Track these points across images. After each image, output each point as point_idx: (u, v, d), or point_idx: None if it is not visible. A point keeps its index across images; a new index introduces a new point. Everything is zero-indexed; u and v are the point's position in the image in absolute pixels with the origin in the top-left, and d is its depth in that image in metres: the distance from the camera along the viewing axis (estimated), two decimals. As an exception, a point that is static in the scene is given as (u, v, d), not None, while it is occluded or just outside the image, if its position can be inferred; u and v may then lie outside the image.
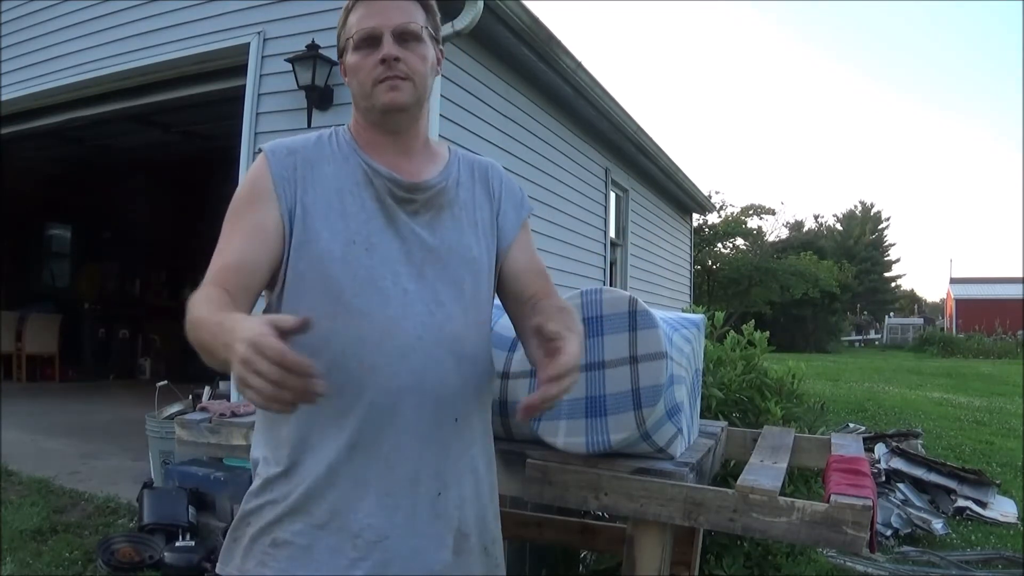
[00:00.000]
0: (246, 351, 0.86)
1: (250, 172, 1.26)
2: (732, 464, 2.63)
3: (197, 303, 1.09)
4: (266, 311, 1.24)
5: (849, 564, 3.64)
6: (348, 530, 1.16)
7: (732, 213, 24.17)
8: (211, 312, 1.05)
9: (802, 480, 3.03)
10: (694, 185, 10.81)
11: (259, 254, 1.18)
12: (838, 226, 44.42)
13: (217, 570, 1.23)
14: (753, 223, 25.22)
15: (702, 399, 2.36)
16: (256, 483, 1.22)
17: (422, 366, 1.19)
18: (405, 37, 1.24)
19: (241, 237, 1.19)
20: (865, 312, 40.74)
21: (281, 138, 1.30)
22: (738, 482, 1.58)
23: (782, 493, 1.57)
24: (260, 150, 1.28)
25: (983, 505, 4.85)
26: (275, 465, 1.19)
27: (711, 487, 1.63)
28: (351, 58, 1.26)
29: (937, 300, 55.28)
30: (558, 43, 5.38)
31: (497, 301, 1.39)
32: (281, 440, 1.19)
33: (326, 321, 1.16)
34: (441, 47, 1.34)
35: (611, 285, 7.98)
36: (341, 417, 1.16)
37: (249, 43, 4.75)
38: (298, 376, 0.85)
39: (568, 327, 1.14)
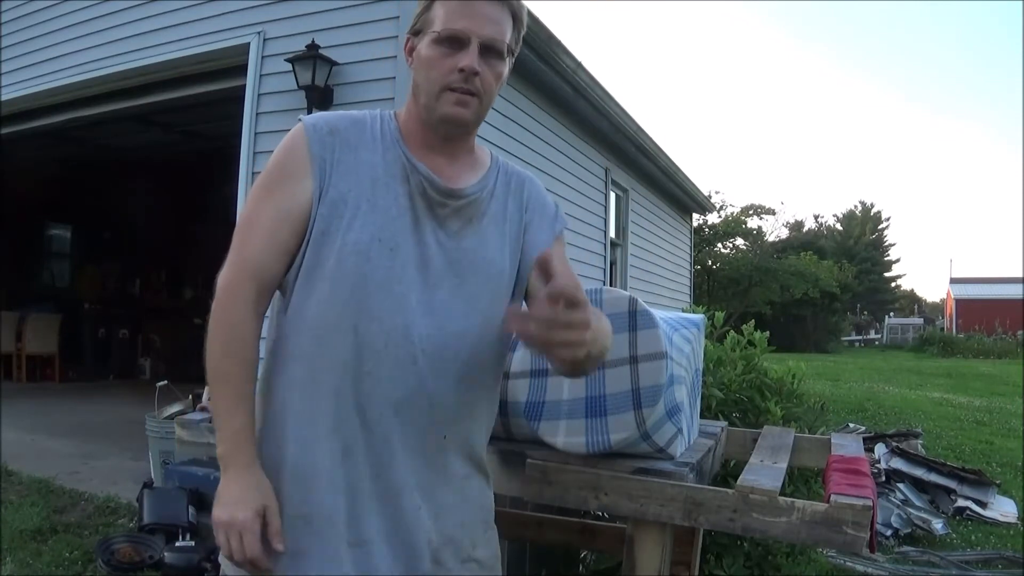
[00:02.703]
0: (226, 531, 1.12)
1: (287, 142, 1.22)
2: (732, 464, 2.62)
3: (233, 316, 1.17)
4: (280, 290, 1.23)
5: (849, 564, 3.64)
6: (337, 534, 1.15)
7: (732, 213, 24.19)
8: (237, 384, 1.16)
9: (802, 480, 3.03)
10: (694, 185, 10.80)
11: (289, 243, 1.18)
12: (838, 226, 44.44)
13: (223, 571, 1.23)
14: (753, 223, 25.25)
15: (702, 399, 2.36)
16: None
17: (421, 380, 1.18)
18: (490, 51, 1.19)
19: (271, 221, 1.18)
20: (865, 312, 40.75)
21: (322, 113, 1.26)
22: (738, 482, 1.58)
23: (782, 493, 1.57)
24: (300, 120, 1.24)
25: (983, 505, 4.85)
26: (269, 467, 1.18)
27: (711, 487, 1.63)
28: (427, 50, 1.19)
29: (937, 300, 55.31)
30: (558, 43, 5.38)
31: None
32: (276, 441, 1.19)
33: (336, 317, 1.16)
34: (513, 59, 1.28)
35: (611, 285, 7.97)
36: (336, 422, 1.16)
37: (249, 43, 4.75)
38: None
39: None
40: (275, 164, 1.21)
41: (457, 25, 1.17)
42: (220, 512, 1.12)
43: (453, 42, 1.17)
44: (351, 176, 1.19)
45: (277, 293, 1.23)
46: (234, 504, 1.12)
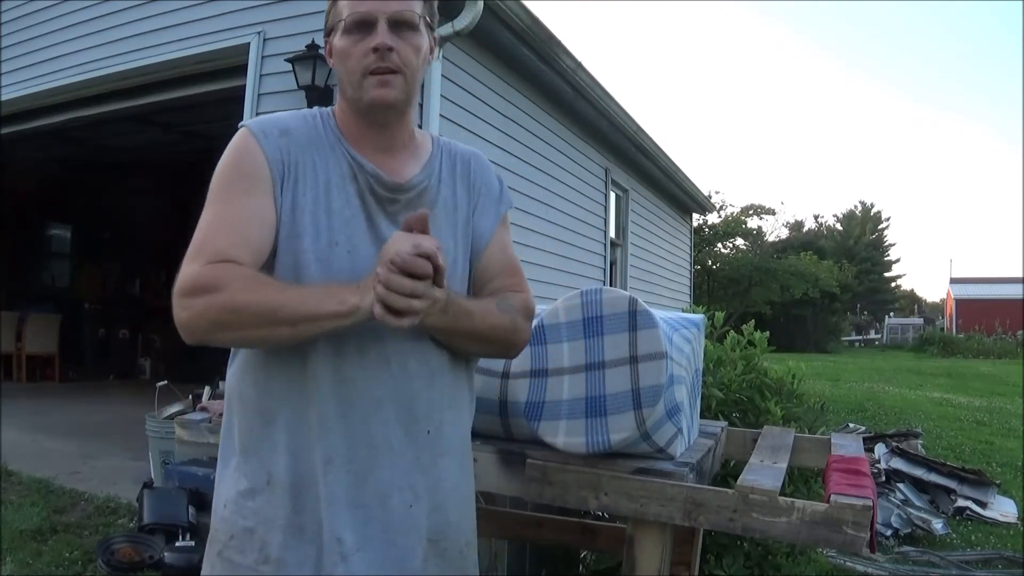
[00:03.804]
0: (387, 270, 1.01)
1: (237, 148, 1.18)
2: (732, 464, 2.62)
3: (241, 280, 1.07)
4: None
5: (849, 564, 3.64)
6: (325, 542, 1.14)
7: (732, 213, 24.22)
8: (286, 284, 1.10)
9: (802, 480, 3.03)
10: (694, 185, 10.81)
11: (260, 242, 1.14)
12: (838, 226, 44.43)
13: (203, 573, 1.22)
14: (753, 223, 25.28)
15: (702, 399, 2.35)
16: (230, 491, 1.20)
17: (397, 379, 1.18)
18: (400, 25, 1.18)
19: (240, 220, 1.13)
20: (865, 312, 40.74)
21: (264, 116, 1.23)
22: (738, 482, 1.58)
23: (782, 493, 1.57)
24: (242, 125, 1.21)
25: (983, 505, 4.85)
26: (251, 475, 1.18)
27: (711, 487, 1.63)
28: (340, 41, 1.19)
29: (937, 300, 55.32)
30: (558, 43, 5.38)
31: None
32: (268, 452, 1.18)
33: None
34: (435, 35, 1.28)
35: (611, 285, 7.97)
36: (321, 431, 1.15)
37: (249, 43, 4.75)
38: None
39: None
40: (230, 170, 1.17)
41: (361, 8, 1.17)
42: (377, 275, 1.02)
43: (361, 26, 1.17)
44: (306, 180, 1.17)
45: None
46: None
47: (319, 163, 1.19)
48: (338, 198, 1.18)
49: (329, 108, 1.28)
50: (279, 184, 1.16)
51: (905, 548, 4.05)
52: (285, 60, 4.46)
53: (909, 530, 4.26)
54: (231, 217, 1.13)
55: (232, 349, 1.24)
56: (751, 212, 25.38)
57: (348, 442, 1.16)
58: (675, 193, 10.61)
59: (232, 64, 4.88)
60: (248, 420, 1.20)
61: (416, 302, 1.02)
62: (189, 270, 1.10)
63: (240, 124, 1.22)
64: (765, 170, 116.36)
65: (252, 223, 1.14)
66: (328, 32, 1.24)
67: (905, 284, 59.30)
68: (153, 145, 8.00)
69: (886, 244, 44.06)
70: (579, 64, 5.85)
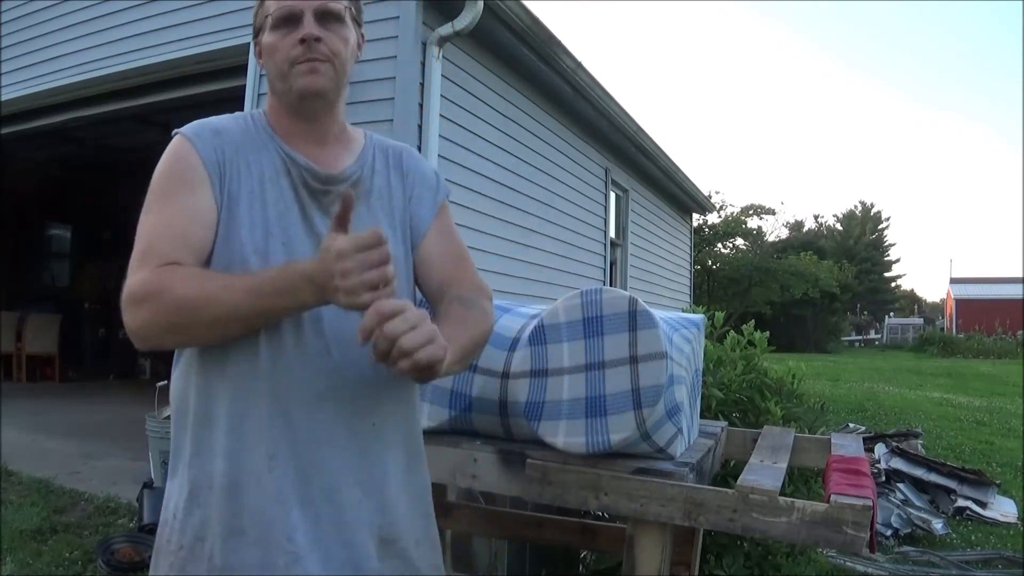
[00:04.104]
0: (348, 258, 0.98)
1: (172, 153, 1.19)
2: (732, 464, 2.63)
3: (186, 279, 1.06)
4: None
5: (849, 564, 3.64)
6: (275, 544, 1.13)
7: (732, 213, 24.22)
8: (233, 278, 1.08)
9: (802, 480, 3.03)
10: (694, 185, 10.80)
11: (203, 242, 1.14)
12: (838, 226, 44.44)
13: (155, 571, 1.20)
14: (753, 223, 25.29)
15: (702, 399, 2.36)
16: (177, 500, 1.18)
17: (339, 372, 1.16)
18: (327, 17, 1.19)
19: (181, 223, 1.13)
20: (865, 312, 40.74)
21: (196, 120, 1.23)
22: (738, 482, 1.58)
23: (782, 493, 1.57)
24: (176, 133, 1.21)
25: (983, 505, 4.85)
26: (194, 481, 1.16)
27: (711, 487, 1.63)
28: (268, 38, 1.21)
29: (937, 300, 55.35)
30: (558, 43, 5.38)
31: (501, 301, 1.38)
32: (205, 456, 1.15)
33: None
34: (363, 31, 1.29)
35: (611, 285, 7.97)
36: (262, 429, 1.13)
37: (249, 43, 4.72)
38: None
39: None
40: (167, 175, 1.17)
41: (286, 2, 1.19)
42: (320, 267, 1.01)
43: (288, 21, 1.18)
44: (241, 176, 1.18)
45: None
46: (319, 256, 1.02)
47: (253, 161, 1.20)
48: (272, 191, 1.19)
49: (260, 109, 1.29)
50: (216, 182, 1.16)
51: (905, 548, 4.05)
52: (285, 60, 4.46)
53: (909, 530, 4.26)
54: (171, 219, 1.14)
55: (175, 354, 1.23)
56: (751, 212, 25.39)
57: (292, 438, 1.14)
58: (675, 193, 10.61)
59: (232, 64, 4.87)
60: (191, 424, 1.18)
61: (385, 274, 1.00)
62: (135, 278, 1.11)
63: (174, 132, 1.22)
64: (765, 170, 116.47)
65: (193, 222, 1.14)
66: (256, 32, 1.25)
67: (905, 284, 59.45)
68: (153, 145, 7.94)
69: (886, 244, 44.08)
70: (579, 64, 5.84)
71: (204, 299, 1.06)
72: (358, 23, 1.27)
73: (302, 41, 1.17)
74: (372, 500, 1.19)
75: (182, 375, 1.21)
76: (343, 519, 1.16)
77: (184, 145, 1.19)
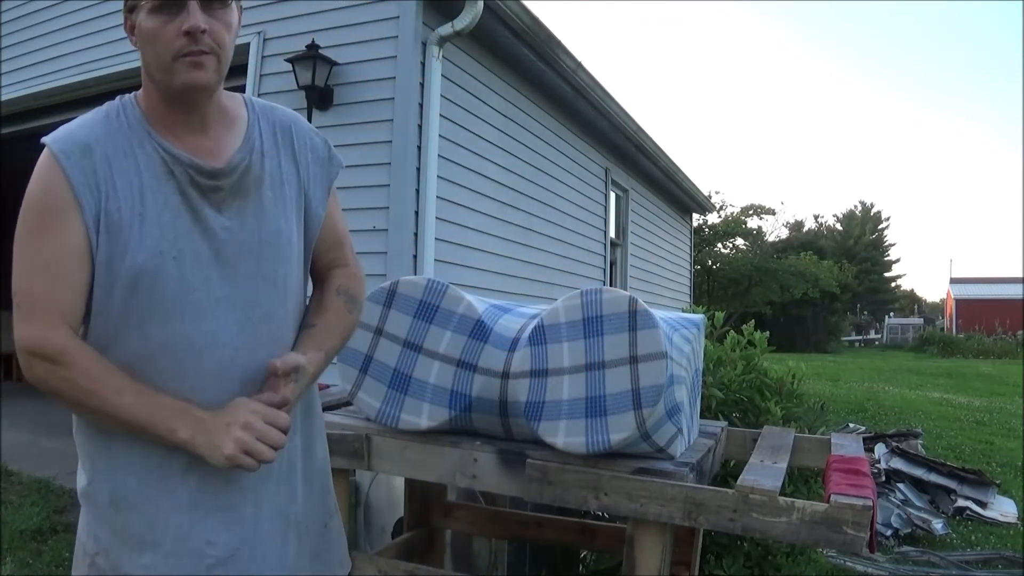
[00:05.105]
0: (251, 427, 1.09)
1: (42, 177, 1.11)
2: (732, 464, 2.63)
3: (88, 363, 1.08)
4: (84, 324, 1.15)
5: (849, 564, 3.64)
6: (198, 552, 1.12)
7: (732, 213, 24.24)
8: (134, 387, 1.09)
9: (802, 480, 3.03)
10: (694, 185, 10.80)
11: (80, 277, 1.09)
12: (838, 226, 44.42)
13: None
14: (753, 223, 25.31)
15: (702, 399, 2.36)
16: (92, 512, 1.19)
17: (242, 376, 1.15)
18: (210, 2, 1.12)
19: (55, 262, 1.08)
20: (865, 312, 40.74)
21: (67, 127, 1.14)
22: (738, 482, 1.58)
23: (782, 493, 1.57)
24: (44, 144, 1.12)
25: (983, 505, 4.86)
26: (111, 494, 1.15)
27: (711, 487, 1.63)
28: (147, 22, 1.10)
29: (937, 300, 55.34)
30: (558, 43, 5.38)
31: (501, 301, 1.38)
32: (111, 475, 1.15)
33: (143, 346, 1.11)
34: (240, 4, 1.21)
35: (611, 285, 7.98)
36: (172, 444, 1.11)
37: (249, 43, 4.74)
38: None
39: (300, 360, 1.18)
40: (38, 207, 1.10)
41: None
42: (219, 437, 1.08)
43: (170, 5, 1.09)
44: (118, 193, 1.10)
45: (81, 328, 1.13)
46: (221, 416, 1.10)
47: (130, 168, 1.12)
48: (155, 201, 1.11)
49: (132, 95, 1.19)
50: (91, 207, 1.09)
51: (905, 548, 4.05)
52: (285, 60, 4.46)
53: (909, 530, 4.26)
54: (48, 260, 1.08)
55: None
56: (751, 212, 25.41)
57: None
58: (675, 193, 10.61)
59: (232, 64, 4.87)
60: (93, 438, 1.18)
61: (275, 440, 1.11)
62: (29, 333, 1.08)
63: (42, 139, 1.14)
64: (765, 170, 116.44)
65: (69, 260, 1.09)
66: (130, 8, 1.14)
67: (905, 284, 59.44)
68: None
69: (886, 244, 44.05)
70: (579, 64, 5.85)
71: (93, 394, 1.08)
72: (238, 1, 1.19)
73: (187, 33, 1.09)
74: (283, 490, 1.22)
75: None
76: (261, 515, 1.19)
77: (53, 169, 1.10)
